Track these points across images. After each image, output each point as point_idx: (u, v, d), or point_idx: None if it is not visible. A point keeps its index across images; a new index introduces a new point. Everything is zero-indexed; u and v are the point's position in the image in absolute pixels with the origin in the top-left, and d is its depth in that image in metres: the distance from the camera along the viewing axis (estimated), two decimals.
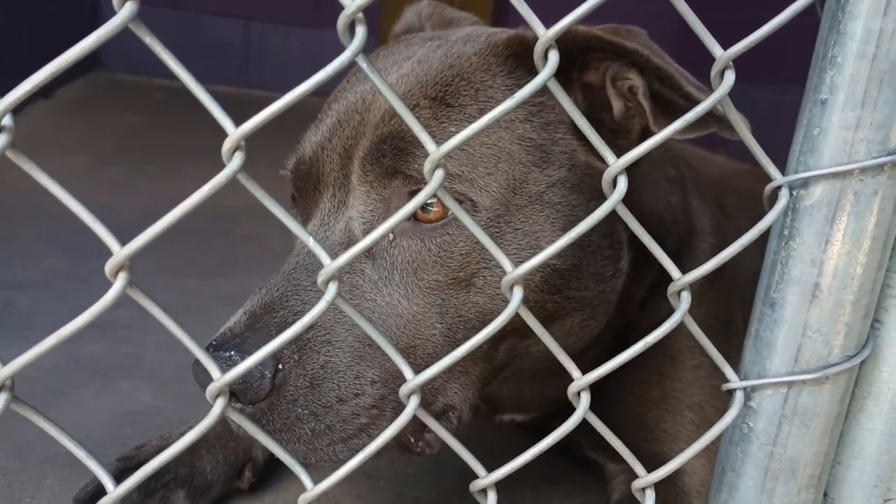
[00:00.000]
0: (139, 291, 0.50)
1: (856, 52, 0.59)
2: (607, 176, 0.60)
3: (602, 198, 0.61)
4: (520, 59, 0.92)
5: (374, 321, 0.83)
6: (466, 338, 0.85)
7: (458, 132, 0.83)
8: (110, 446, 1.17)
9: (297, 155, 0.96)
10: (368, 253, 0.86)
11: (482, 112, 0.87)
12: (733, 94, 0.61)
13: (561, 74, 0.89)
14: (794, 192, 0.63)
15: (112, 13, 0.46)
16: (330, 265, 0.54)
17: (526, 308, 0.61)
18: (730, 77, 0.59)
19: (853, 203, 0.61)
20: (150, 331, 1.61)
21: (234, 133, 0.49)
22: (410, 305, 0.85)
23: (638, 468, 0.68)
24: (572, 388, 0.65)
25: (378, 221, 0.87)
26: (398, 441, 0.86)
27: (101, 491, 0.99)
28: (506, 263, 0.59)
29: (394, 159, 0.86)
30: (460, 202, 0.85)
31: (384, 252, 0.86)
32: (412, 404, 0.60)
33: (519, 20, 0.52)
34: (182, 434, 1.11)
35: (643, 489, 0.69)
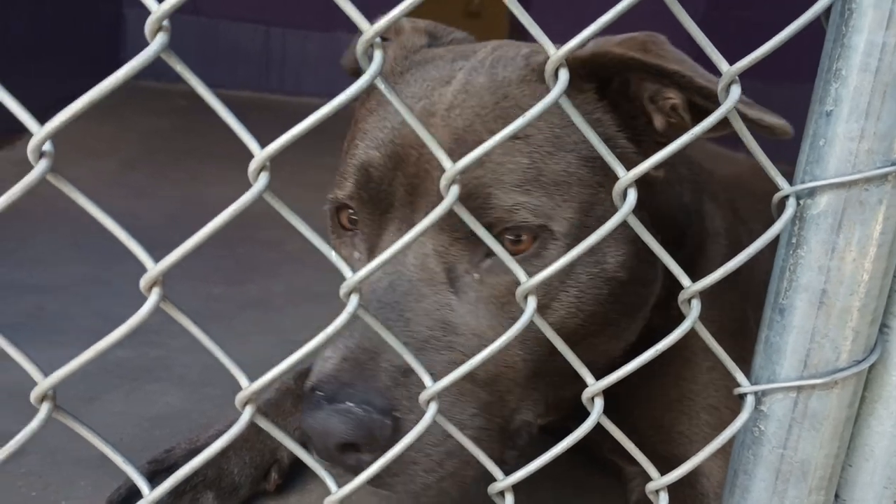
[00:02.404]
0: (172, 305, 0.53)
1: (859, 65, 0.61)
2: (617, 188, 0.62)
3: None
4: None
5: (465, 354, 0.84)
6: (545, 363, 0.91)
7: (530, 162, 0.87)
8: (140, 449, 1.20)
9: (356, 178, 0.95)
10: (454, 288, 0.88)
11: (547, 138, 0.89)
12: (750, 91, 0.62)
13: (601, 93, 0.94)
14: (801, 202, 0.65)
15: (135, 24, 0.48)
16: (352, 278, 0.56)
17: (542, 318, 0.63)
18: (735, 91, 0.61)
19: (858, 212, 0.63)
20: (178, 335, 1.64)
21: (260, 154, 0.51)
22: (496, 337, 0.85)
23: (652, 471, 0.70)
24: (586, 394, 0.67)
25: (462, 263, 0.88)
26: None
27: (133, 493, 1.02)
28: (520, 274, 0.62)
29: (480, 219, 0.82)
30: (541, 233, 0.87)
31: (469, 287, 0.88)
32: (431, 410, 0.62)
33: (538, 21, 0.53)
34: (210, 437, 1.14)
35: (657, 491, 0.71)
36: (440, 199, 0.83)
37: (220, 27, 5.18)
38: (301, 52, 5.36)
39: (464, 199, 0.83)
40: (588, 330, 0.93)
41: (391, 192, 0.91)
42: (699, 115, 0.86)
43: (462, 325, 0.86)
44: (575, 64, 0.90)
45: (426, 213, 0.84)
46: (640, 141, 0.96)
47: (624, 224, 0.92)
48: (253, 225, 2.40)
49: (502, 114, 0.90)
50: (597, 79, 0.94)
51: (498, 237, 0.86)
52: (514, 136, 0.87)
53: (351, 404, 0.78)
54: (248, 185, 0.52)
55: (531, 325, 0.85)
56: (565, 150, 0.90)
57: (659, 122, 0.93)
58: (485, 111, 0.90)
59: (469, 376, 0.82)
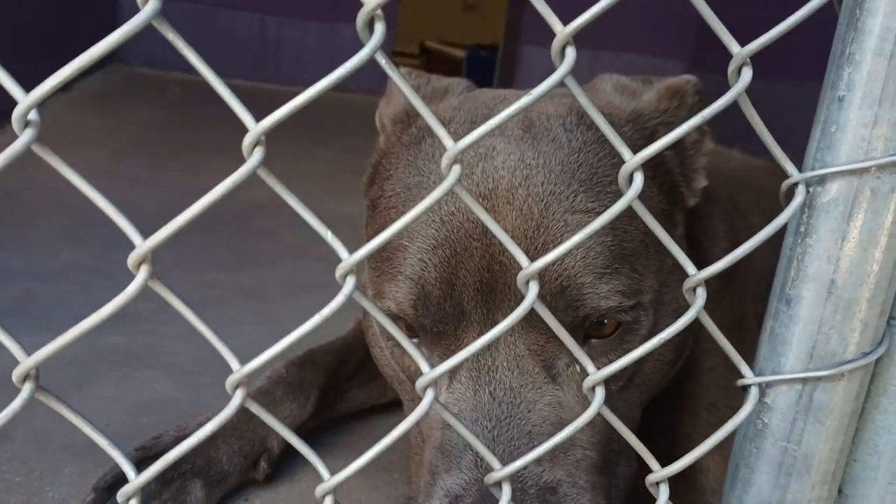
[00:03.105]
0: (161, 284, 0.51)
1: (873, 50, 0.59)
2: (623, 172, 0.60)
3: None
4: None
5: (586, 448, 0.81)
6: (637, 415, 0.92)
7: (614, 238, 0.82)
8: (128, 436, 1.19)
9: (414, 293, 0.84)
10: (558, 384, 0.82)
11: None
12: (752, 89, 0.61)
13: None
14: (811, 189, 0.63)
15: (130, 9, 0.46)
16: (347, 260, 0.54)
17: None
18: (746, 74, 0.59)
19: (870, 200, 0.61)
20: (169, 322, 1.63)
21: (255, 128, 0.49)
22: (603, 419, 0.79)
23: (652, 463, 0.69)
24: (587, 383, 0.65)
25: (561, 358, 0.83)
26: None
27: (120, 479, 1.01)
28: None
29: (577, 312, 0.81)
30: (633, 306, 0.83)
31: (572, 380, 0.83)
32: (428, 397, 0.60)
33: (533, 16, 0.52)
34: (199, 425, 1.12)
35: (657, 483, 0.69)
36: (521, 295, 0.77)
37: (218, 15, 5.15)
38: (297, 42, 5.34)
39: (555, 294, 0.79)
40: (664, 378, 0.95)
41: (457, 299, 0.83)
42: None
43: (574, 420, 0.82)
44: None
45: (509, 310, 0.81)
46: (686, 168, 0.99)
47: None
48: (247, 214, 2.40)
49: (582, 188, 0.83)
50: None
51: (585, 330, 0.83)
52: (597, 213, 0.81)
53: None
54: (246, 177, 0.50)
55: (633, 399, 0.89)
56: (642, 210, 0.88)
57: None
58: (559, 188, 0.82)
59: (593, 468, 0.81)
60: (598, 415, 0.80)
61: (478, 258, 0.81)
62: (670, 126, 0.93)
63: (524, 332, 0.82)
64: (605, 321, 0.83)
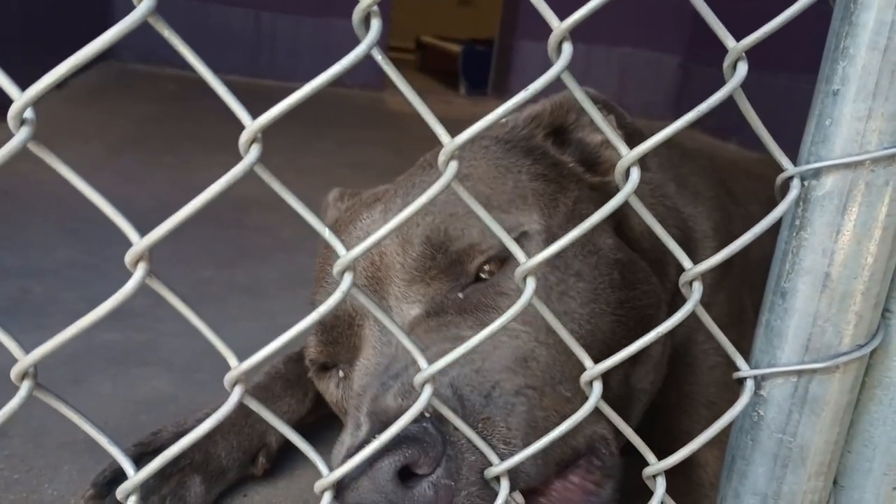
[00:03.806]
0: (158, 282, 0.51)
1: (868, 44, 0.59)
2: (620, 167, 0.60)
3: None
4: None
5: (528, 342, 0.82)
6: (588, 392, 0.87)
7: (476, 195, 0.86)
8: (126, 433, 1.19)
9: (317, 336, 0.96)
10: (438, 316, 0.86)
11: (492, 169, 0.96)
12: (746, 82, 0.61)
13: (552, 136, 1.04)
14: (806, 183, 0.63)
15: (124, 6, 0.46)
16: (345, 256, 0.54)
17: (540, 301, 0.62)
18: (742, 68, 0.59)
19: (864, 193, 0.61)
20: (166, 319, 1.63)
21: (252, 125, 0.49)
22: (511, 339, 0.82)
23: (649, 456, 0.69)
24: (584, 378, 0.65)
25: (441, 295, 0.88)
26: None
27: (118, 476, 1.01)
28: (520, 256, 0.60)
29: (447, 251, 0.87)
30: (516, 239, 0.86)
31: (459, 306, 0.87)
32: (427, 392, 0.60)
33: (528, 10, 0.52)
34: (198, 421, 1.13)
35: (654, 476, 0.70)
36: (404, 262, 0.87)
37: (212, 10, 5.13)
38: (292, 37, 5.32)
39: (425, 242, 0.87)
40: (631, 327, 0.91)
41: (343, 308, 0.91)
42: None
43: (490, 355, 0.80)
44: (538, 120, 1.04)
45: (396, 287, 0.89)
46: (592, 166, 1.04)
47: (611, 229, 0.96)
48: (242, 210, 2.40)
49: (499, 190, 0.93)
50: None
51: (476, 277, 0.88)
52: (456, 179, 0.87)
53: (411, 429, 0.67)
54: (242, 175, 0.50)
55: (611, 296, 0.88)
56: (513, 172, 0.95)
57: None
58: (488, 199, 0.92)
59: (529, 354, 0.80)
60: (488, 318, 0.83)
61: (371, 264, 0.91)
62: (547, 129, 1.04)
63: (407, 292, 0.89)
64: (492, 260, 0.88)
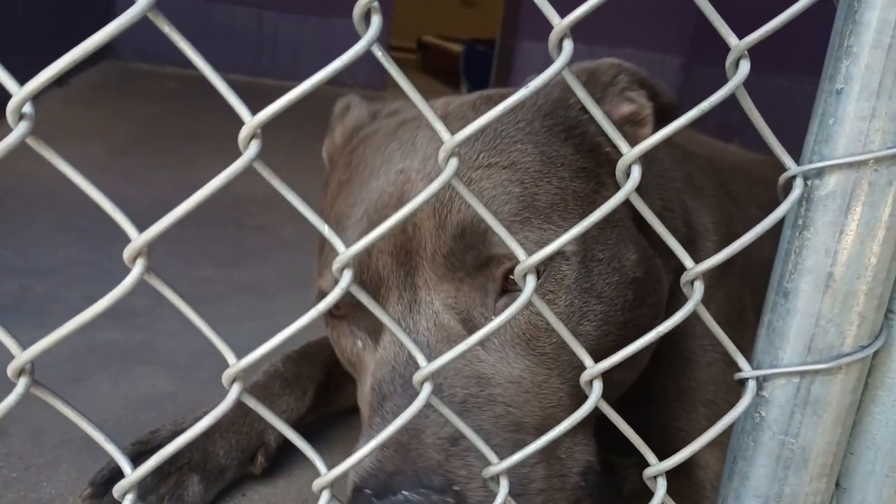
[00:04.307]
0: (157, 278, 0.51)
1: (871, 42, 0.59)
2: (621, 165, 0.60)
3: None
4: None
5: (508, 405, 0.80)
6: (588, 392, 0.87)
7: (522, 190, 0.85)
8: (126, 432, 1.19)
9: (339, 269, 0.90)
10: (471, 333, 0.80)
11: (536, 159, 0.88)
12: (749, 83, 0.61)
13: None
14: (809, 182, 0.63)
15: (125, 4, 0.46)
16: (344, 253, 0.54)
17: (540, 300, 0.61)
18: (745, 66, 0.59)
19: (868, 193, 0.61)
20: (165, 318, 1.62)
21: (251, 121, 0.49)
22: (534, 377, 0.82)
23: (650, 456, 0.69)
24: (584, 377, 0.65)
25: (476, 308, 0.84)
26: None
27: (116, 475, 1.00)
28: (520, 253, 0.60)
29: (479, 252, 0.83)
30: (552, 260, 0.83)
31: (491, 333, 0.84)
32: (425, 391, 0.60)
33: (530, 10, 0.52)
34: (196, 419, 1.12)
35: (654, 478, 0.69)
36: (436, 249, 0.83)
37: (214, 10, 5.13)
38: (294, 37, 5.32)
39: (458, 235, 0.82)
40: (625, 343, 0.89)
41: (374, 267, 0.86)
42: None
43: (496, 374, 0.81)
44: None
45: (429, 271, 0.84)
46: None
47: (630, 221, 0.93)
48: (243, 209, 2.40)
49: (485, 147, 0.87)
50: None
51: (506, 279, 0.83)
52: (501, 166, 0.86)
53: (406, 493, 0.70)
54: (242, 172, 0.50)
55: (571, 360, 0.83)
56: (556, 166, 0.88)
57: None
58: (464, 150, 0.87)
59: (518, 426, 0.79)
60: (526, 370, 0.82)
61: (397, 226, 0.85)
62: (573, 96, 0.97)
63: (437, 285, 0.84)
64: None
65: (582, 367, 0.82)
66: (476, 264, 0.83)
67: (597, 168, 0.94)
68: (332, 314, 0.93)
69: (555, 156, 0.89)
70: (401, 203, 0.86)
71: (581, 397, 0.84)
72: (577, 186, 0.89)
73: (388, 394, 0.80)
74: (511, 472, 0.72)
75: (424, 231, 0.84)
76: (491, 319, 0.81)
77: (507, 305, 0.83)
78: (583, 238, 0.86)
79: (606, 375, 0.89)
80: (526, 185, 0.85)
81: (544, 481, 0.79)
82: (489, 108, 0.88)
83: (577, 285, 0.85)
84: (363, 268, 0.86)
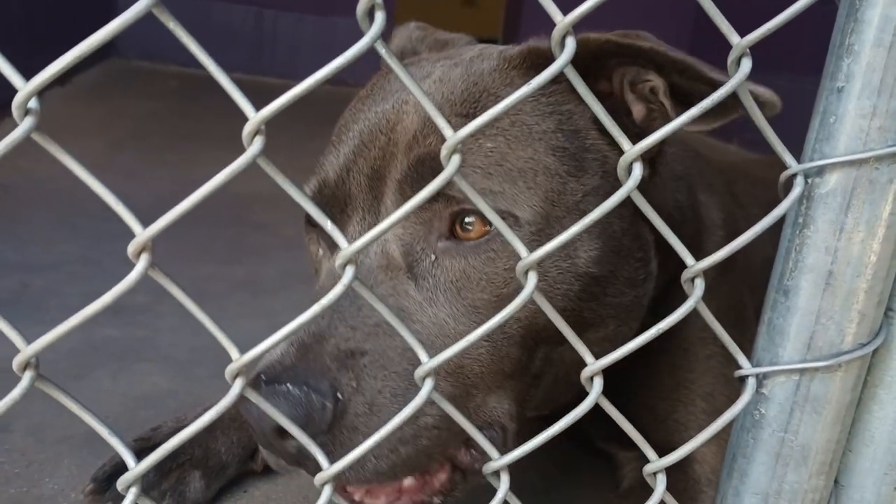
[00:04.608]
0: (160, 272, 0.51)
1: (872, 41, 0.59)
2: (622, 162, 0.60)
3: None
4: (539, 70, 0.91)
5: (424, 343, 0.80)
6: (515, 363, 0.87)
7: (494, 146, 0.86)
8: (126, 428, 1.19)
9: (318, 178, 0.94)
10: (411, 274, 0.85)
11: (514, 124, 0.87)
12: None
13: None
14: (810, 180, 0.63)
15: (127, 4, 0.46)
16: (347, 249, 0.54)
17: (542, 296, 0.62)
18: (746, 64, 0.59)
19: (868, 191, 0.61)
20: (166, 315, 1.63)
21: (255, 117, 0.49)
22: (457, 325, 0.84)
23: (649, 452, 0.69)
24: (585, 374, 0.65)
25: (419, 243, 0.86)
26: (447, 455, 0.85)
27: (118, 470, 1.01)
28: (522, 250, 0.60)
29: (425, 183, 0.83)
30: (503, 218, 0.83)
31: (427, 273, 0.85)
32: (427, 387, 0.60)
33: (532, 10, 0.53)
34: (198, 416, 1.12)
35: (654, 474, 0.69)
36: (404, 179, 0.85)
37: (214, 8, 5.13)
38: (294, 35, 5.32)
39: (416, 163, 0.85)
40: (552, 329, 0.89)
41: (349, 184, 0.90)
42: (682, 102, 0.86)
43: (418, 311, 0.83)
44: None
45: (392, 197, 0.87)
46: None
47: (633, 217, 0.93)
48: (243, 207, 2.40)
49: (468, 97, 0.89)
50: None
51: (453, 222, 0.85)
52: (476, 116, 0.86)
53: (290, 386, 0.74)
54: (244, 169, 0.50)
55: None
56: (533, 139, 0.88)
57: (638, 111, 0.91)
58: (453, 96, 0.89)
59: (419, 361, 0.79)
60: (449, 317, 0.83)
61: (377, 148, 0.89)
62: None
63: (395, 208, 0.86)
64: (472, 221, 0.85)
65: (509, 331, 0.84)
66: (431, 198, 0.84)
67: (581, 152, 0.92)
68: (310, 223, 0.99)
69: (533, 126, 0.89)
70: (392, 131, 0.90)
71: (501, 355, 0.85)
72: (550, 163, 0.88)
73: (318, 300, 0.83)
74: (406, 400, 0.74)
75: (397, 159, 0.88)
76: (429, 257, 0.85)
77: (445, 251, 0.85)
78: (545, 214, 0.86)
79: (596, 332, 0.92)
80: (497, 143, 0.87)
81: (437, 418, 0.80)
82: (504, 73, 0.91)
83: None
84: (339, 182, 0.91)
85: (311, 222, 0.99)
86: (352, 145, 0.92)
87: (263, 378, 0.75)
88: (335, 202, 0.91)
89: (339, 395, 0.75)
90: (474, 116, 0.86)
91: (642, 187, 0.61)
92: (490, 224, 0.84)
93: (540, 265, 0.85)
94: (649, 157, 0.96)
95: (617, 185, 0.93)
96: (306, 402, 0.73)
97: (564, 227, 0.86)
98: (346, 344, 0.78)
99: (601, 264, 0.89)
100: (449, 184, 0.80)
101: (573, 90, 0.92)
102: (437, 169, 0.80)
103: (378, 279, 0.84)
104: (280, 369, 0.76)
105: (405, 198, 0.85)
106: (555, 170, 0.88)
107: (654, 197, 1.03)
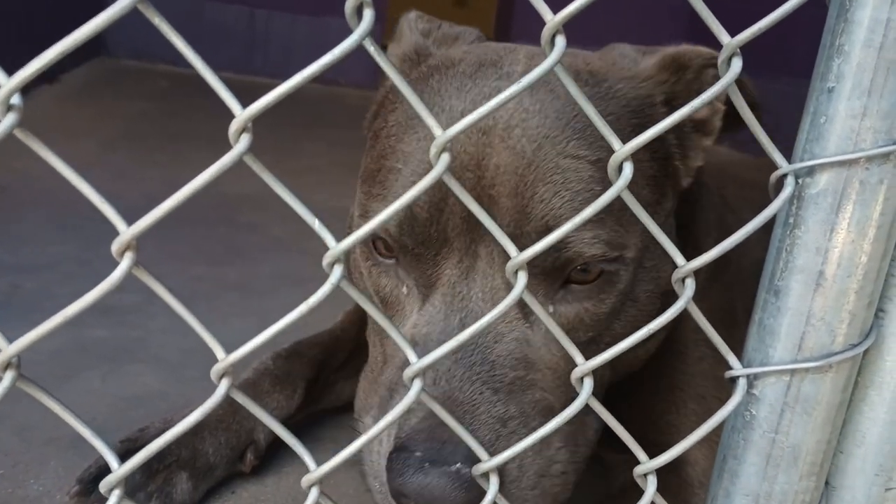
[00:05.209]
0: (145, 272, 0.51)
1: (863, 41, 0.59)
2: (613, 162, 0.60)
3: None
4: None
5: (545, 390, 0.83)
6: (602, 385, 0.92)
7: (604, 190, 0.82)
8: (115, 429, 1.18)
9: (402, 212, 0.85)
10: (529, 322, 0.85)
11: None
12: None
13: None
14: (800, 181, 0.63)
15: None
16: (335, 248, 0.54)
17: (542, 307, 0.61)
18: (737, 64, 0.59)
19: (858, 192, 0.61)
20: (155, 316, 1.61)
21: (242, 114, 0.49)
22: (568, 366, 0.83)
23: (640, 454, 0.69)
24: (575, 374, 0.65)
25: (538, 296, 0.85)
26: None
27: (104, 472, 0.99)
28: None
29: (560, 255, 0.83)
30: (615, 260, 0.85)
31: (537, 316, 0.85)
32: (415, 387, 0.60)
33: (524, 10, 0.52)
34: (185, 417, 1.12)
35: (644, 475, 0.69)
36: (510, 232, 0.80)
37: (205, 7, 5.11)
38: (286, 35, 5.31)
39: (540, 233, 0.81)
40: (644, 346, 0.92)
41: (443, 224, 0.85)
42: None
43: (538, 360, 0.84)
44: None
45: (492, 244, 0.83)
46: (684, 145, 0.97)
47: (672, 238, 0.94)
48: (233, 207, 2.38)
49: (575, 135, 0.85)
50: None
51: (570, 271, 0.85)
52: (588, 161, 0.84)
53: (460, 465, 0.72)
54: (232, 169, 0.50)
55: (598, 350, 0.84)
56: (635, 171, 0.88)
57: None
58: (554, 132, 0.85)
59: (550, 411, 0.81)
60: (562, 360, 0.85)
61: (469, 188, 0.83)
62: (667, 95, 0.96)
63: (503, 266, 0.83)
64: (589, 269, 0.85)
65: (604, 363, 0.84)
66: (553, 264, 0.84)
67: (664, 178, 0.94)
68: (378, 251, 0.91)
69: (635, 160, 0.89)
70: (479, 167, 0.84)
71: (602, 388, 0.87)
72: (646, 194, 0.89)
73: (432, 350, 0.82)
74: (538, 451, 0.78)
75: (501, 207, 0.83)
76: (548, 309, 0.84)
77: (564, 298, 0.86)
78: (642, 248, 0.88)
79: (602, 370, 0.91)
80: (606, 185, 0.84)
81: (566, 464, 0.83)
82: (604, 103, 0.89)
83: (624, 289, 0.88)
84: (433, 220, 0.84)
85: (380, 251, 0.91)
86: (437, 184, 0.87)
87: (420, 455, 0.74)
88: (428, 242, 0.85)
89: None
90: (585, 157, 0.85)
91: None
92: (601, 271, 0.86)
93: (633, 292, 0.89)
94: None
95: (679, 204, 0.97)
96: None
97: (651, 254, 0.90)
98: (495, 410, 0.78)
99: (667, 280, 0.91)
100: (573, 245, 0.81)
101: (665, 104, 0.94)
102: (564, 244, 0.80)
103: (500, 332, 0.83)
104: (438, 444, 0.74)
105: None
106: (648, 200, 0.90)
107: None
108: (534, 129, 0.84)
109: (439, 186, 0.82)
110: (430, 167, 0.83)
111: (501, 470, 0.71)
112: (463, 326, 0.82)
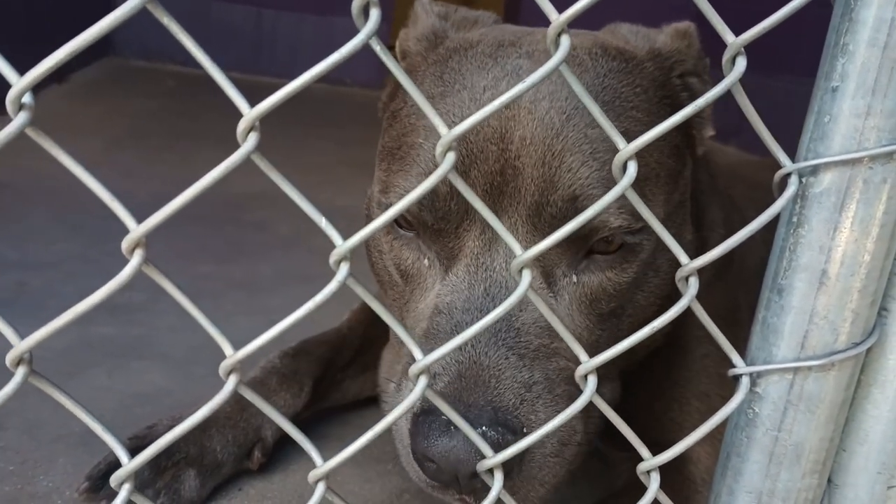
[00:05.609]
0: (154, 269, 0.51)
1: (867, 40, 0.59)
2: (617, 161, 0.60)
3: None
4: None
5: (569, 359, 0.84)
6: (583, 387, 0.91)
7: (647, 154, 0.85)
8: (121, 426, 1.18)
9: (423, 199, 0.85)
10: (553, 292, 0.86)
11: (645, 124, 0.88)
12: (748, 83, 0.61)
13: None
14: (804, 180, 0.63)
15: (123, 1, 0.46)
16: (342, 246, 0.54)
17: (535, 293, 0.62)
18: (741, 63, 0.59)
19: (862, 191, 0.61)
20: (162, 313, 1.62)
21: (250, 113, 0.49)
22: (590, 335, 0.86)
23: (643, 451, 0.69)
24: (579, 371, 0.65)
25: (560, 267, 0.86)
26: None
27: (113, 468, 1.00)
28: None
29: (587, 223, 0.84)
30: (640, 228, 0.85)
31: (566, 290, 0.87)
32: (420, 384, 0.60)
33: (530, 8, 0.53)
34: (194, 413, 1.12)
35: (647, 472, 0.70)
36: (540, 203, 0.82)
37: (213, 7, 5.13)
38: (293, 35, 5.32)
39: (566, 201, 0.82)
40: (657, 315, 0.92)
41: (463, 212, 0.85)
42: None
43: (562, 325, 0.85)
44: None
45: (515, 214, 0.84)
46: (700, 115, 0.99)
47: (689, 206, 0.96)
48: (240, 205, 2.39)
49: (605, 107, 0.86)
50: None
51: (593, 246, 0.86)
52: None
53: (486, 428, 0.74)
54: (239, 167, 0.50)
55: (619, 322, 0.89)
56: (659, 141, 0.85)
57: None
58: (583, 104, 0.86)
59: (571, 379, 0.81)
60: (585, 330, 0.87)
61: (492, 161, 0.84)
62: (683, 64, 0.98)
63: (528, 236, 0.85)
64: (612, 238, 0.86)
65: (626, 330, 0.86)
66: (578, 233, 0.82)
67: (685, 147, 0.96)
68: (400, 226, 0.92)
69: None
70: (503, 140, 0.84)
71: (622, 357, 0.88)
72: (670, 164, 0.91)
73: (463, 322, 0.82)
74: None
75: (527, 177, 0.83)
76: (570, 278, 0.86)
77: (584, 269, 0.86)
78: (664, 215, 0.89)
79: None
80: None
81: (583, 434, 0.86)
82: (631, 76, 0.90)
83: (647, 259, 0.89)
84: (453, 194, 0.85)
85: (401, 225, 0.92)
86: (457, 154, 0.88)
87: (446, 418, 0.73)
88: (448, 217, 0.86)
89: (524, 430, 0.77)
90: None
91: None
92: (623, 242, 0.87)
93: (655, 261, 0.90)
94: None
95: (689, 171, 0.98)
96: (503, 444, 0.72)
97: (673, 221, 0.92)
98: (520, 375, 0.79)
99: (693, 245, 0.95)
100: (603, 222, 0.82)
101: (682, 76, 0.97)
102: (576, 210, 0.80)
103: (525, 300, 0.83)
104: (463, 408, 0.75)
105: (547, 225, 0.84)
106: (672, 169, 0.91)
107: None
108: (563, 100, 0.85)
109: (462, 161, 0.84)
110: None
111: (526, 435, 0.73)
112: (487, 295, 0.83)
